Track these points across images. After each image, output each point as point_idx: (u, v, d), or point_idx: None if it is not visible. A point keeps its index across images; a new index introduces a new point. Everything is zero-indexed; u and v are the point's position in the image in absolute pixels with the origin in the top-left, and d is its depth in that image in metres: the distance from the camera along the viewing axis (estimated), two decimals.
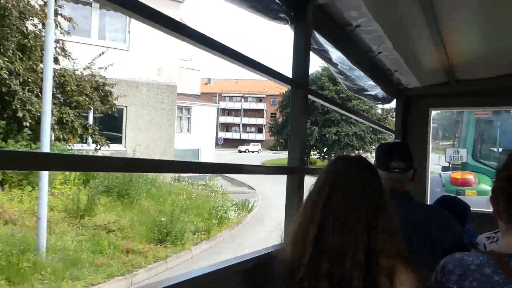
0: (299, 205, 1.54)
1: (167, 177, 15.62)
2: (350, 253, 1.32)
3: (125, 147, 15.72)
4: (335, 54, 2.60)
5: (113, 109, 12.27)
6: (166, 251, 9.09)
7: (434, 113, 4.61)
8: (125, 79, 15.11)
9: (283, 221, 2.04)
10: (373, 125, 4.35)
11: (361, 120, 3.94)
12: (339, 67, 2.82)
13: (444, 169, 9.45)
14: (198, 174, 20.23)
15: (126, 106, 15.51)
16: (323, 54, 2.51)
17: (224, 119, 75.05)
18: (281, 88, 43.29)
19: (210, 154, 26.47)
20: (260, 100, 75.71)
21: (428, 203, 3.87)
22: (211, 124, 27.96)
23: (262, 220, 14.27)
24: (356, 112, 3.87)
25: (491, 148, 8.89)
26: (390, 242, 1.34)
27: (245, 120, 76.18)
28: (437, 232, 2.02)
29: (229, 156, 41.50)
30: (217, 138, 41.53)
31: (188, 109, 26.50)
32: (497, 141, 8.89)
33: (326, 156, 39.24)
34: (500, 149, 8.60)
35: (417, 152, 4.20)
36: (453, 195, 2.88)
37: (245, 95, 75.22)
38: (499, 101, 4.09)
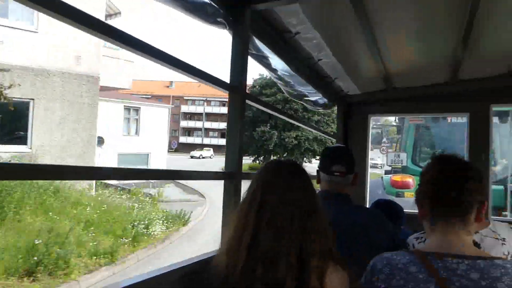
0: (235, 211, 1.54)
1: (82, 184, 13.25)
2: (283, 256, 1.34)
3: (30, 148, 13.11)
4: (275, 60, 2.63)
5: (8, 101, 9.88)
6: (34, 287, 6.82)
7: (384, 119, 4.79)
8: (31, 66, 12.67)
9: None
10: (313, 131, 4.45)
11: (301, 125, 4.02)
12: (278, 73, 2.86)
13: (387, 172, 9.85)
14: (144, 181, 19.58)
15: (32, 99, 13.01)
16: (262, 60, 2.54)
17: (186, 123, 72.56)
18: None
19: (161, 159, 25.52)
20: (223, 104, 72.69)
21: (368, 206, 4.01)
22: (163, 126, 26.82)
23: (199, 233, 12.92)
24: (294, 117, 3.93)
25: (429, 152, 9.35)
26: (322, 243, 1.38)
27: (208, 125, 73.60)
28: (377, 234, 2.08)
29: (177, 162, 40.09)
30: (170, 142, 39.98)
31: (137, 110, 25.29)
32: (434, 146, 9.38)
33: None
34: (437, 153, 9.09)
35: (357, 156, 4.35)
36: (388, 198, 3.01)
37: (208, 99, 72.88)
38: (433, 108, 4.30)
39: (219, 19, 1.98)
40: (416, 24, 2.65)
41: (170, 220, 12.90)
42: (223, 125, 72.70)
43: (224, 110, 72.94)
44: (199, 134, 74.37)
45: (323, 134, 5.17)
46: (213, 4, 1.93)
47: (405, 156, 8.70)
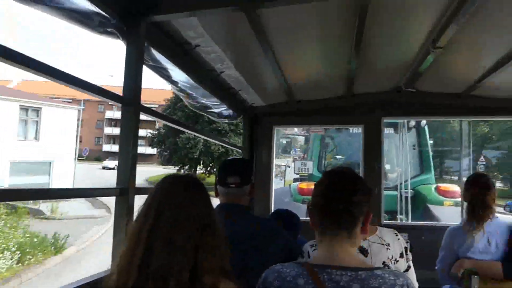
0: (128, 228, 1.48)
1: None
2: (175, 273, 1.30)
3: None
4: (175, 72, 2.59)
5: None
6: None
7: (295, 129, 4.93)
8: None
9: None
10: (219, 143, 4.47)
11: (206, 138, 4.03)
12: (179, 85, 2.82)
13: (296, 180, 10.22)
14: None
15: None
16: (162, 72, 2.48)
17: (111, 130, 65.73)
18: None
19: (67, 168, 22.89)
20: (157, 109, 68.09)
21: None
22: (71, 131, 23.90)
23: (79, 262, 9.95)
24: (195, 129, 3.92)
25: (334, 161, 9.90)
26: (215, 259, 1.36)
27: (141, 132, 67.25)
28: (272, 244, 2.12)
29: (80, 172, 35.73)
30: (80, 149, 35.23)
31: (37, 111, 22.10)
32: (338, 154, 9.96)
33: (213, 171, 34.74)
34: (340, 162, 9.64)
35: (262, 167, 4.47)
36: (285, 208, 3.11)
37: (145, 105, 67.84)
38: (332, 120, 4.55)
39: (109, 29, 1.89)
40: (311, 41, 2.78)
41: (39, 248, 9.65)
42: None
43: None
44: None
45: (230, 146, 5.21)
46: (104, 13, 1.84)
47: (311, 164, 9.12)
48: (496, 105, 3.95)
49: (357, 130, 8.78)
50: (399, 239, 2.13)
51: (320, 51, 3.02)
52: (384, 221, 4.51)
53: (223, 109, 3.87)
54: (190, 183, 1.50)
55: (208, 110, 3.62)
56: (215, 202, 1.79)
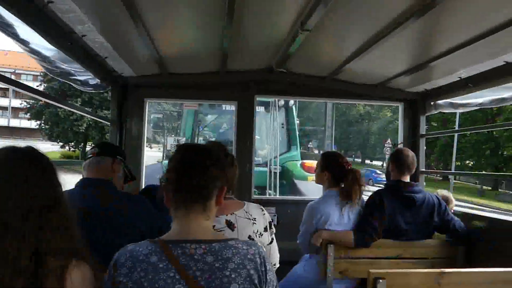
0: None
1: None
2: (11, 260, 1.14)
3: None
4: (23, 30, 2.23)
5: None
6: None
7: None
8: None
9: None
10: (85, 115, 4.10)
11: (72, 110, 3.68)
12: (31, 45, 2.46)
13: (167, 157, 10.01)
14: None
15: None
16: (6, 29, 2.12)
17: None
18: None
19: None
20: (36, 77, 53.94)
21: None
22: None
23: None
24: (57, 99, 3.55)
25: (208, 138, 9.92)
26: (62, 240, 1.25)
27: (17, 103, 52.92)
28: (135, 219, 2.07)
29: None
30: None
31: None
32: (212, 131, 10.00)
33: None
34: (213, 139, 9.72)
35: (132, 142, 4.24)
36: (156, 184, 3.02)
37: (17, 71, 55.93)
38: (206, 95, 4.49)
39: None
40: (183, 13, 2.66)
41: None
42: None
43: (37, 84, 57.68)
44: (5, 114, 59.06)
45: (97, 119, 4.83)
46: None
47: (183, 141, 9.01)
48: (354, 90, 4.31)
49: (230, 107, 8.91)
50: (264, 214, 2.22)
51: (192, 24, 2.92)
52: (255, 196, 4.67)
53: (89, 77, 3.53)
54: (27, 157, 1.32)
55: (71, 77, 3.25)
56: None
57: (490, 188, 35.06)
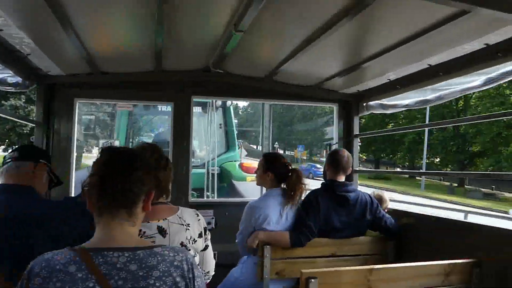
0: None
1: None
2: None
3: None
4: None
5: None
6: None
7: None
8: None
9: None
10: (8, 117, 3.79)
11: None
12: None
13: None
14: None
15: None
16: None
17: None
18: None
19: None
20: None
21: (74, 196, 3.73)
22: None
23: None
24: None
25: (144, 140, 9.61)
26: None
27: None
28: (61, 226, 1.94)
29: None
30: None
31: None
32: (148, 132, 9.70)
33: None
34: (151, 140, 9.43)
35: (61, 144, 3.98)
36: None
37: None
38: (141, 95, 4.33)
39: None
40: (113, 10, 2.54)
41: None
42: None
43: None
44: None
45: (20, 121, 4.49)
46: None
47: (118, 143, 8.64)
48: (291, 91, 4.37)
49: (166, 108, 8.69)
50: (199, 219, 2.16)
51: (123, 22, 2.80)
52: (192, 199, 4.58)
53: (8, 75, 3.26)
54: None
55: None
56: None
57: (456, 184, 36.09)
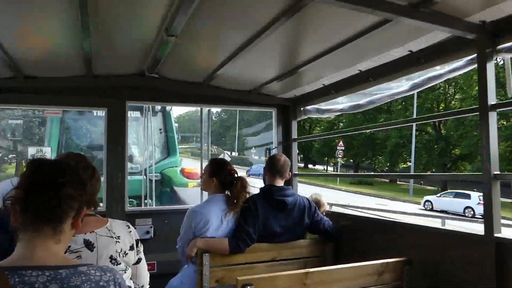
0: None
1: None
2: None
3: None
4: None
5: None
6: None
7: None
8: None
9: None
10: None
11: None
12: None
13: None
14: None
15: None
16: None
17: None
18: None
19: None
20: None
21: None
22: None
23: None
24: None
25: (77, 146, 9.12)
26: None
27: None
28: None
29: None
30: None
31: None
32: (82, 139, 9.20)
33: None
34: (86, 147, 8.98)
35: None
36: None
37: None
38: (72, 101, 4.12)
39: None
40: (35, 14, 2.40)
41: None
42: None
43: None
44: None
45: None
46: None
47: (49, 150, 8.15)
48: (229, 96, 4.35)
49: (102, 113, 8.32)
50: (130, 231, 2.08)
51: (47, 25, 2.65)
52: (129, 208, 4.42)
53: None
54: None
55: None
56: None
57: (438, 188, 35.50)
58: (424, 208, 25.89)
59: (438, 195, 27.97)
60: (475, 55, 2.44)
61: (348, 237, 3.41)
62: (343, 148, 34.91)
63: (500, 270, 2.26)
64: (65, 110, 7.87)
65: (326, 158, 49.01)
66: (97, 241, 1.90)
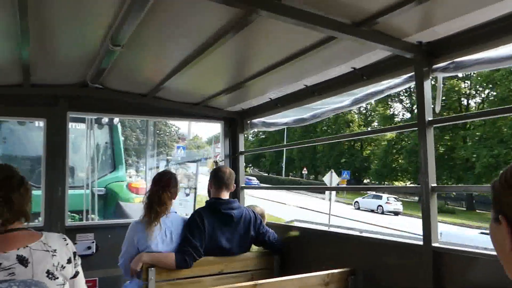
0: None
1: None
2: None
3: None
4: None
5: None
6: None
7: None
8: None
9: None
10: None
11: None
12: None
13: None
14: None
15: None
16: None
17: None
18: None
19: None
20: None
21: None
22: None
23: None
24: None
25: (10, 157, 8.59)
26: None
27: None
28: None
29: None
30: None
31: None
32: (19, 149, 8.67)
33: None
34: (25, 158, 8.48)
35: None
36: None
37: None
38: (7, 111, 3.90)
39: None
40: None
41: None
42: None
43: None
44: None
45: None
46: None
47: None
48: (176, 108, 4.31)
49: (39, 124, 7.90)
50: (67, 244, 1.99)
51: None
52: (70, 223, 4.23)
53: None
54: None
55: None
56: None
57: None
58: (353, 207, 35.27)
59: (363, 197, 35.87)
60: (413, 73, 2.58)
61: (295, 249, 3.45)
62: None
63: (436, 277, 2.38)
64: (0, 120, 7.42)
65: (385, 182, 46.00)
66: (31, 256, 1.79)
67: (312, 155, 54.47)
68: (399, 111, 51.15)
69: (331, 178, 18.87)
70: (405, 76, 2.74)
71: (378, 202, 33.59)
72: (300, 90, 3.44)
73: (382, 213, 32.43)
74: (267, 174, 62.25)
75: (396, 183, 43.50)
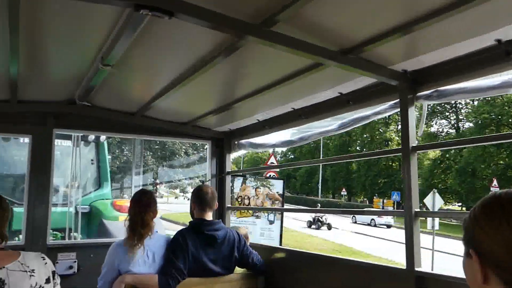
0: None
1: None
2: None
3: None
4: None
5: None
6: None
7: None
8: None
9: None
10: None
11: None
12: None
13: None
14: None
15: None
16: None
17: None
18: None
19: None
20: None
21: None
22: None
23: None
24: None
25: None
26: None
27: None
28: None
29: None
30: None
31: None
32: (5, 165, 8.56)
33: None
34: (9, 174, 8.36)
35: None
36: None
37: None
38: None
39: None
40: None
41: None
42: None
43: None
44: None
45: None
46: None
47: None
48: (164, 127, 4.31)
49: (24, 140, 7.81)
50: (46, 263, 1.96)
51: None
52: (52, 241, 4.16)
53: None
54: None
55: None
56: None
57: None
58: (352, 221, 39.17)
59: None
60: (398, 100, 2.64)
61: (279, 271, 3.43)
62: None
63: None
64: None
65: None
66: (8, 277, 1.76)
67: (347, 175, 54.06)
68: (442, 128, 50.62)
69: (433, 201, 16.00)
70: (390, 102, 2.79)
71: (371, 216, 37.73)
72: (287, 113, 3.49)
73: (375, 225, 36.15)
74: (296, 195, 60.96)
75: (445, 207, 42.49)
